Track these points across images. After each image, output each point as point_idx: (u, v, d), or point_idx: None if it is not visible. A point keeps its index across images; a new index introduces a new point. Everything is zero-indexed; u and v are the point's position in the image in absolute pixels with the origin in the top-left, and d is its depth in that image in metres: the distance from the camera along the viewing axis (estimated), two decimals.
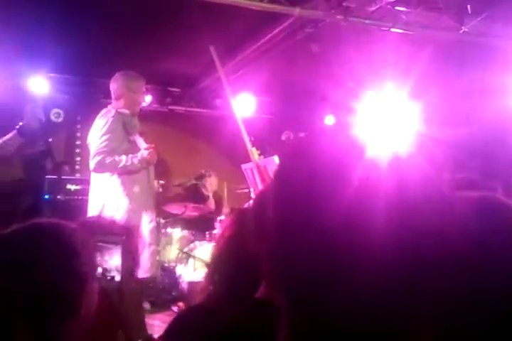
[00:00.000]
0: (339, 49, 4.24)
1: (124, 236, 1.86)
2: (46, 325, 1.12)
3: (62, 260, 1.15)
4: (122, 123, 3.78)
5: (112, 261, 1.56)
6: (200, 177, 6.23)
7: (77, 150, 6.06)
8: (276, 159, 3.53)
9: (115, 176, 3.73)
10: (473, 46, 4.53)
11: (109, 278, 1.57)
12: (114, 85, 3.93)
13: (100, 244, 1.58)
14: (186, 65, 5.76)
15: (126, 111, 3.87)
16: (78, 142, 6.07)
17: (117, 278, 1.57)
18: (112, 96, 3.93)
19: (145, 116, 4.93)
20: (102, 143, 3.68)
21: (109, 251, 1.58)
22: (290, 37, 4.61)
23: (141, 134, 4.02)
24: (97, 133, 3.74)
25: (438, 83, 5.42)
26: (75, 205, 4.89)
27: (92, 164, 3.71)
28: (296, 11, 4.06)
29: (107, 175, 3.74)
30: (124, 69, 4.01)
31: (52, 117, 5.78)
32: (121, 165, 3.67)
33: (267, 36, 4.62)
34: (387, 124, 4.96)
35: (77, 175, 5.81)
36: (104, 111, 3.88)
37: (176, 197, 6.20)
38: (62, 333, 1.13)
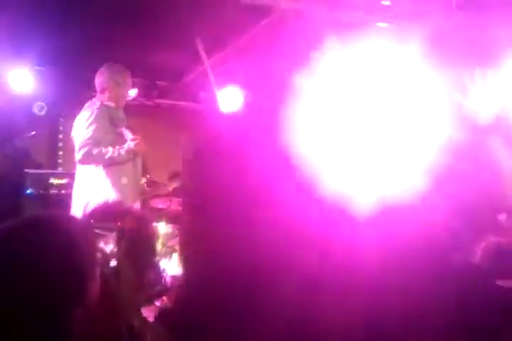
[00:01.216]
0: (323, 42, 4.22)
1: (120, 222, 1.87)
2: (55, 315, 1.12)
3: (64, 251, 1.16)
4: (108, 116, 3.75)
5: (107, 247, 1.58)
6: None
7: (60, 144, 6.00)
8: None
9: (101, 168, 3.70)
10: (461, 40, 4.54)
11: (106, 263, 1.58)
12: (100, 78, 3.89)
13: (97, 231, 1.59)
14: (173, 58, 5.71)
15: (112, 104, 3.84)
16: (61, 136, 6.00)
17: (113, 263, 1.57)
18: (97, 89, 3.89)
19: (131, 109, 4.88)
20: (88, 134, 3.65)
21: (105, 238, 1.60)
22: (276, 30, 4.58)
23: (128, 128, 3.98)
24: (82, 125, 3.71)
25: (425, 78, 5.43)
26: (58, 199, 4.84)
27: (78, 155, 3.68)
28: (282, 3, 4.04)
29: (93, 167, 3.71)
30: (109, 62, 3.97)
31: (35, 110, 5.72)
32: (108, 156, 3.64)
33: (252, 29, 4.59)
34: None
35: (60, 169, 5.75)
36: (88, 103, 3.85)
37: (161, 192, 6.16)
38: (70, 321, 1.14)
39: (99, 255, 1.44)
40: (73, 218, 1.35)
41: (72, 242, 1.18)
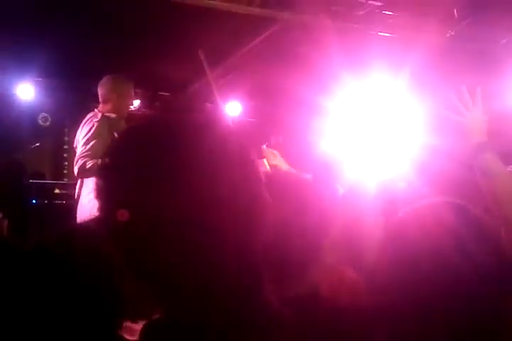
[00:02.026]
0: (327, 54, 4.25)
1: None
2: None
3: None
4: (108, 127, 3.75)
5: None
6: None
7: (65, 155, 6.01)
8: (265, 162, 3.51)
9: None
10: (463, 51, 4.55)
11: None
12: (102, 89, 3.90)
13: None
14: (176, 69, 5.74)
15: (113, 115, 3.84)
16: (66, 146, 6.02)
17: None
18: (100, 99, 3.90)
19: (134, 120, 4.88)
20: (86, 147, 3.65)
21: None
22: (278, 41, 4.61)
23: None
24: (83, 138, 3.71)
25: (427, 89, 5.44)
26: (63, 210, 4.84)
27: (75, 170, 3.68)
28: (285, 15, 4.06)
29: (92, 179, 3.70)
30: (112, 73, 3.98)
31: (40, 121, 5.74)
32: None
33: (255, 40, 4.61)
34: (375, 132, 4.92)
35: (65, 180, 5.76)
36: (90, 114, 3.85)
37: None
38: None
39: None
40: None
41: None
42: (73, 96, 6.05)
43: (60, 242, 1.17)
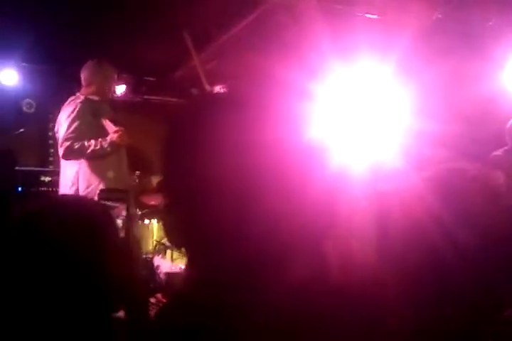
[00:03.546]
0: (313, 36, 4.22)
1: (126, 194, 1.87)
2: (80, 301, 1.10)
3: (89, 233, 1.14)
4: (91, 109, 3.74)
5: (117, 219, 1.57)
6: None
7: (50, 142, 5.95)
8: None
9: (86, 163, 3.68)
10: (449, 33, 4.54)
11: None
12: (85, 73, 3.89)
13: (105, 202, 1.58)
14: (162, 53, 5.68)
15: (96, 98, 3.82)
16: (51, 133, 5.95)
17: (121, 235, 1.57)
18: (83, 83, 3.88)
19: (120, 105, 4.84)
20: (70, 129, 3.63)
21: (115, 209, 1.58)
22: (266, 23, 4.57)
23: (112, 121, 3.95)
24: (65, 120, 3.69)
25: (415, 72, 5.43)
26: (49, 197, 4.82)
27: (60, 151, 3.67)
28: None
29: (78, 162, 3.69)
30: (97, 58, 3.96)
31: (24, 108, 5.68)
32: (90, 149, 3.62)
33: (242, 23, 4.57)
34: (363, 116, 4.93)
35: (51, 167, 5.72)
36: (72, 97, 3.83)
37: (153, 188, 6.14)
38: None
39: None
40: (91, 200, 1.33)
41: (95, 223, 1.17)
42: (58, 82, 5.97)
43: (43, 213, 1.18)
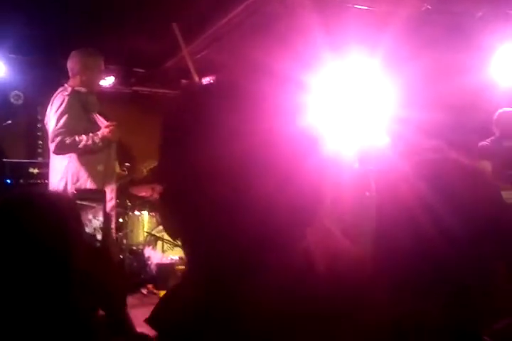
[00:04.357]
0: (303, 27, 4.21)
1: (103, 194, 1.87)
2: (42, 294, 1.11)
3: (53, 227, 1.15)
4: (79, 102, 3.70)
5: (94, 219, 1.57)
6: None
7: (39, 133, 5.92)
8: None
9: (75, 156, 3.66)
10: (438, 24, 4.55)
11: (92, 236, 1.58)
12: (71, 63, 3.84)
13: (85, 203, 1.57)
14: (151, 44, 5.64)
15: (83, 89, 3.78)
16: (39, 125, 5.92)
17: (99, 236, 1.57)
18: (70, 74, 3.84)
19: (108, 97, 4.81)
20: (60, 123, 3.60)
21: (92, 210, 1.58)
22: (255, 13, 4.55)
23: (101, 114, 3.93)
24: (54, 114, 3.65)
25: (403, 62, 5.44)
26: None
27: (52, 146, 3.64)
28: None
29: (68, 156, 3.67)
30: (83, 47, 3.92)
31: (12, 99, 5.64)
32: (82, 144, 3.60)
33: (231, 13, 4.55)
34: (352, 105, 4.95)
35: (39, 159, 5.69)
36: (60, 89, 3.79)
37: (143, 179, 6.13)
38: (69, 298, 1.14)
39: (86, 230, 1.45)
40: (59, 193, 1.34)
41: (61, 218, 1.18)
42: (46, 73, 5.92)
43: (20, 202, 1.20)
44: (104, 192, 2.08)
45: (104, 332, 1.28)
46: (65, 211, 1.21)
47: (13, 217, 1.16)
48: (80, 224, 1.28)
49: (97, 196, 1.66)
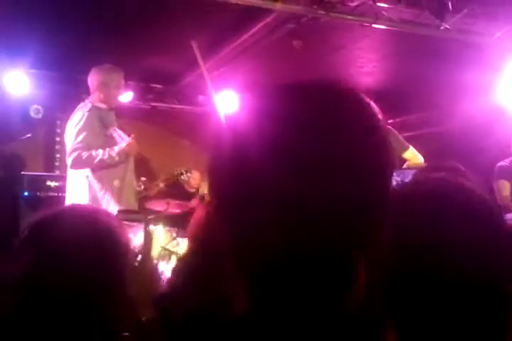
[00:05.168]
0: (321, 45, 4.24)
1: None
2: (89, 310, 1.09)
3: (103, 242, 1.12)
4: (98, 118, 3.74)
5: (136, 238, 1.56)
6: (180, 174, 6.18)
7: (57, 147, 5.98)
8: None
9: (91, 172, 3.68)
10: (455, 43, 4.55)
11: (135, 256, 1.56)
12: (91, 79, 3.90)
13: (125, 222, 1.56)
14: (169, 61, 5.71)
15: (103, 106, 3.83)
16: (58, 138, 5.99)
17: (139, 256, 1.56)
18: (90, 89, 3.89)
19: (127, 113, 4.87)
20: (78, 138, 3.64)
21: (133, 229, 1.57)
22: (272, 33, 4.59)
23: (120, 129, 3.97)
24: (73, 129, 3.70)
25: (420, 80, 5.44)
26: (55, 202, 4.84)
27: (68, 161, 3.67)
28: (278, 5, 4.04)
29: (84, 171, 3.69)
30: (103, 64, 3.97)
31: (32, 113, 5.72)
32: (98, 159, 3.62)
33: (249, 32, 4.59)
34: None
35: (57, 172, 5.74)
36: (80, 105, 3.85)
37: (158, 194, 6.15)
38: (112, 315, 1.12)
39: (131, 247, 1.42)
40: (104, 210, 1.32)
41: (111, 233, 1.15)
42: (66, 88, 6.02)
43: (51, 222, 1.17)
44: (144, 213, 2.06)
45: None
46: (115, 227, 1.18)
47: (57, 233, 1.12)
48: (128, 242, 1.24)
49: (137, 217, 1.67)
